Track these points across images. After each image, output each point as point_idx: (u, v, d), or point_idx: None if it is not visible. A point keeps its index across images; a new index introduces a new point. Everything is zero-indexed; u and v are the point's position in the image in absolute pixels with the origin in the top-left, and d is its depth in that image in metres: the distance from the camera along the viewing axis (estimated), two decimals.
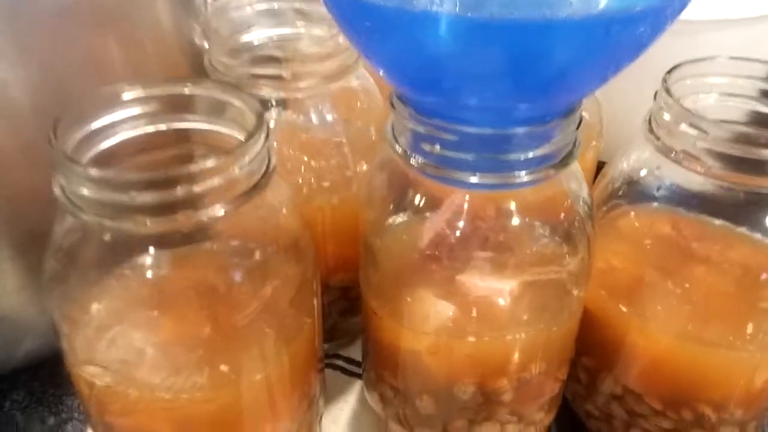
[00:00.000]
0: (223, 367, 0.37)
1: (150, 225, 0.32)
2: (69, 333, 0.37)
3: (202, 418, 0.38)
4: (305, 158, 0.48)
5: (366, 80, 0.51)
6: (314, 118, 0.48)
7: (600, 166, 0.50)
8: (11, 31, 0.41)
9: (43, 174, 0.34)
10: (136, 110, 0.36)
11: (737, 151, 0.37)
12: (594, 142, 0.56)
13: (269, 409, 0.41)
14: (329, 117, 0.48)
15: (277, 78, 0.45)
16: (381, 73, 0.34)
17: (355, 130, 0.49)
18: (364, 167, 0.49)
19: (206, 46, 0.48)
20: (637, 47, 0.31)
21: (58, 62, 0.43)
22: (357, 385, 0.56)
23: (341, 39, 0.46)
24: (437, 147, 0.34)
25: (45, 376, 0.57)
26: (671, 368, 0.43)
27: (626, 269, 0.45)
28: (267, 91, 0.45)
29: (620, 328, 0.45)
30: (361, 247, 0.43)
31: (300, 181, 0.48)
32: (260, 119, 0.34)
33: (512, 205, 0.38)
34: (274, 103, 0.46)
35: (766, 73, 0.42)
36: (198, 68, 0.49)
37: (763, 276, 0.41)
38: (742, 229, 0.42)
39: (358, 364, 0.57)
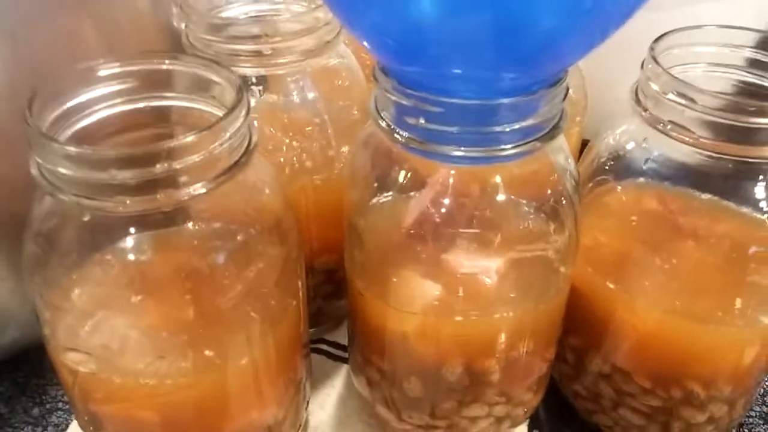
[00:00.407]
0: (208, 352, 0.36)
1: (130, 204, 0.31)
2: (51, 319, 0.36)
3: (187, 405, 0.38)
4: (287, 138, 0.47)
5: (348, 58, 0.50)
6: (295, 96, 0.47)
7: (583, 145, 0.50)
8: None
9: (20, 157, 0.33)
10: (114, 87, 0.36)
11: (726, 119, 0.36)
12: (578, 118, 0.56)
13: (255, 394, 0.40)
14: (310, 95, 0.48)
15: (257, 54, 0.44)
16: (364, 43, 0.34)
17: (338, 108, 0.49)
18: (347, 147, 0.49)
19: (183, 27, 0.47)
20: (626, 11, 0.30)
21: (31, 46, 0.42)
22: (343, 370, 0.55)
23: (320, 14, 0.46)
24: (422, 120, 0.34)
25: (28, 366, 0.56)
26: (660, 345, 0.43)
27: (613, 246, 0.44)
28: (246, 68, 0.45)
29: (608, 305, 0.44)
30: (345, 228, 0.42)
31: (282, 161, 0.47)
32: (240, 94, 0.34)
33: (498, 181, 0.38)
34: (254, 80, 0.46)
35: (754, 41, 0.42)
36: (176, 50, 0.47)
37: (751, 249, 0.41)
38: (729, 203, 0.41)
39: (343, 348, 0.57)
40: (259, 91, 0.46)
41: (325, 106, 0.48)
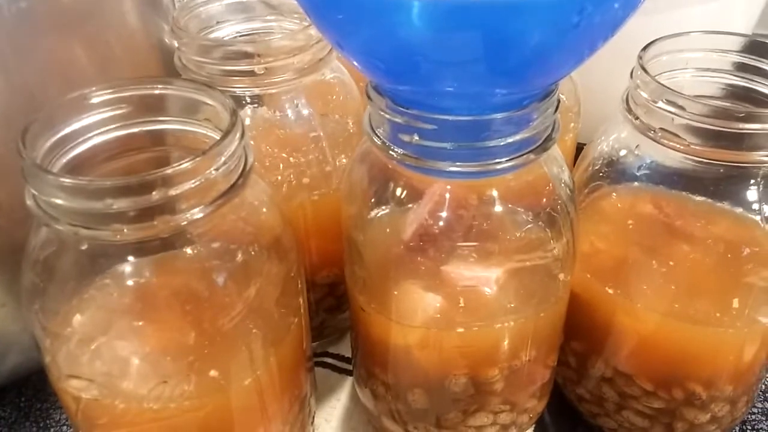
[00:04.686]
0: (212, 373, 0.36)
1: (127, 232, 0.31)
2: (51, 347, 0.36)
3: (192, 427, 0.38)
4: (283, 155, 0.47)
5: (341, 73, 0.50)
6: (290, 113, 0.47)
7: (579, 148, 0.50)
8: None
9: (15, 184, 0.33)
10: (107, 113, 0.36)
11: (716, 126, 0.36)
12: (572, 124, 0.56)
13: (260, 413, 0.40)
14: (305, 112, 0.48)
15: (250, 74, 0.44)
16: (355, 64, 0.34)
17: (333, 123, 0.49)
18: (344, 161, 0.49)
19: (176, 44, 0.47)
20: (611, 26, 0.30)
21: (22, 69, 0.42)
22: (348, 382, 0.55)
23: (313, 31, 0.45)
24: (415, 137, 0.34)
25: (30, 391, 0.56)
26: (660, 348, 0.43)
27: (610, 251, 0.45)
28: (240, 88, 0.45)
29: (607, 310, 0.45)
30: (344, 243, 0.42)
31: (279, 178, 0.47)
32: (234, 117, 0.34)
33: (494, 193, 0.38)
34: (248, 100, 0.46)
35: (741, 46, 0.42)
36: (169, 68, 0.48)
37: (746, 251, 0.41)
38: (723, 205, 0.41)
39: (348, 360, 0.57)
40: (253, 108, 0.46)
41: (321, 121, 0.48)
